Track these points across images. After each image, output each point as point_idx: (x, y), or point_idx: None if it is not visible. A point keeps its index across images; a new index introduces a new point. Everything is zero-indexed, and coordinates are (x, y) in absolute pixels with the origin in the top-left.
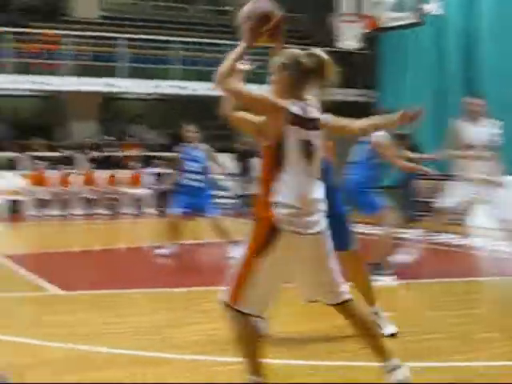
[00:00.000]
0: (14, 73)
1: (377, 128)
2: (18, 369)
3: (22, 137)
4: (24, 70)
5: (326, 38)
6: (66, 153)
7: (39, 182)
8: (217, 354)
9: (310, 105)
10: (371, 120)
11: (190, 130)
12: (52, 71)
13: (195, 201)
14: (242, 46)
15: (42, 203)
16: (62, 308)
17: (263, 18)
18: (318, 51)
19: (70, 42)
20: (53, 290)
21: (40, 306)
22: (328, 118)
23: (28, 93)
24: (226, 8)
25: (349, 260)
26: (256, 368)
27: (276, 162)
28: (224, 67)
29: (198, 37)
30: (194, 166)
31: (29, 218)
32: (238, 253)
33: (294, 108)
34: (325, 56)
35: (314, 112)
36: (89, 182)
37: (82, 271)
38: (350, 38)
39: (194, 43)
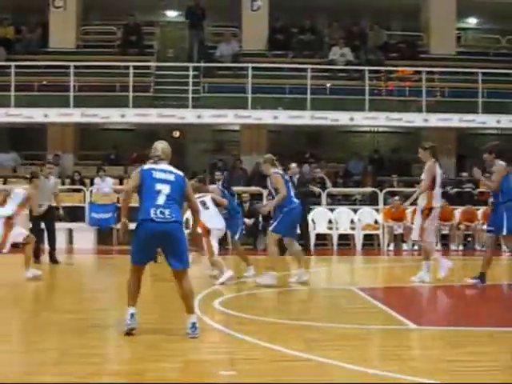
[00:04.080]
0: (371, 110)
1: None
2: None
3: (379, 173)
4: (380, 106)
5: None
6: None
7: (395, 216)
8: None
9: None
10: None
11: None
12: (406, 107)
13: None
14: None
15: (398, 237)
16: (415, 343)
17: None
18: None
19: (425, 79)
20: (408, 324)
21: (396, 340)
22: None
23: (385, 129)
24: None
25: None
26: None
27: None
28: None
29: None
30: None
31: (384, 252)
32: None
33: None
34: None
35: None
36: (444, 216)
37: (435, 307)
38: None
39: None
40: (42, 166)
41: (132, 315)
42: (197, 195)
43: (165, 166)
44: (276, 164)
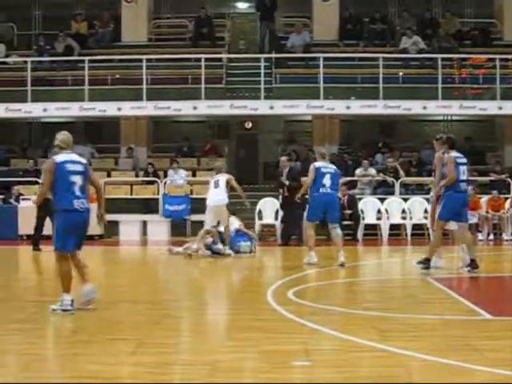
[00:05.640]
0: (444, 98)
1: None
2: None
3: None
4: (453, 95)
5: None
6: (498, 177)
7: (470, 206)
8: None
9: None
10: None
11: None
12: (479, 95)
13: None
14: None
15: (472, 227)
16: (491, 333)
17: None
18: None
19: (499, 66)
20: (484, 314)
21: (472, 330)
22: None
23: (459, 118)
24: None
25: None
26: None
27: None
28: None
29: None
30: None
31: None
32: None
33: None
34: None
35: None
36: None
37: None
38: None
39: None
40: None
41: (73, 301)
42: (215, 176)
43: (71, 155)
44: (325, 157)
